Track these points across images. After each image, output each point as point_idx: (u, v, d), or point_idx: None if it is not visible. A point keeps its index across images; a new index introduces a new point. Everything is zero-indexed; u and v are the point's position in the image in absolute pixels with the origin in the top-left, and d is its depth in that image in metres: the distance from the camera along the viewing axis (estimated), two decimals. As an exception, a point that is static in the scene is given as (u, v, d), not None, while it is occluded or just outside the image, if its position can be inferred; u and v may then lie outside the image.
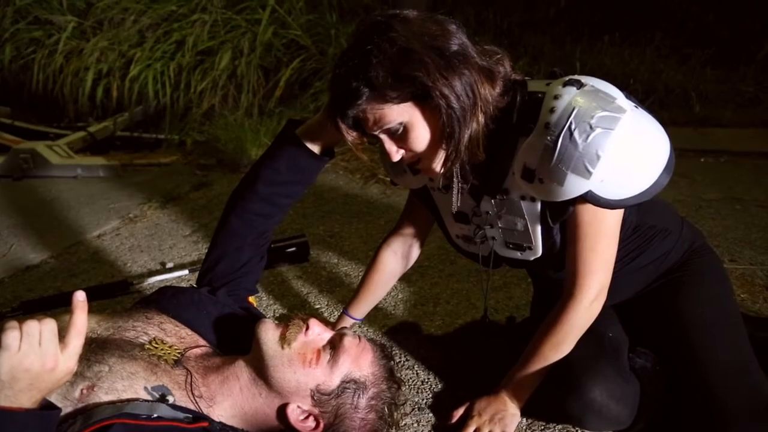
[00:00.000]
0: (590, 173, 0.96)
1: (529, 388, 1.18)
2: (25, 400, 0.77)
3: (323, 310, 1.79)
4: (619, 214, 1.07)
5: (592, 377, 1.08)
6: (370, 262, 1.46)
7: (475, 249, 1.25)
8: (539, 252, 1.15)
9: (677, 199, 2.50)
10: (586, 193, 0.99)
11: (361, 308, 1.49)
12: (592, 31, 5.09)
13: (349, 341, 1.04)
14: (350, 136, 1.03)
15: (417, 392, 1.35)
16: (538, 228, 1.12)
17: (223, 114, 3.90)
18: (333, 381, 1.00)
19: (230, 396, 1.00)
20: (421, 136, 1.00)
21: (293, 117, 3.75)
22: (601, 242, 1.06)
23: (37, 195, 3.23)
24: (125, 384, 0.90)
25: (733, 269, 1.87)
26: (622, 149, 0.96)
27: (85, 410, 0.86)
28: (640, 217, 1.18)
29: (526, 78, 1.07)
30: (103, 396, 0.88)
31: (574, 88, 0.99)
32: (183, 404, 0.93)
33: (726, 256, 1.97)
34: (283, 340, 1.01)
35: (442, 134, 0.99)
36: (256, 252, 1.30)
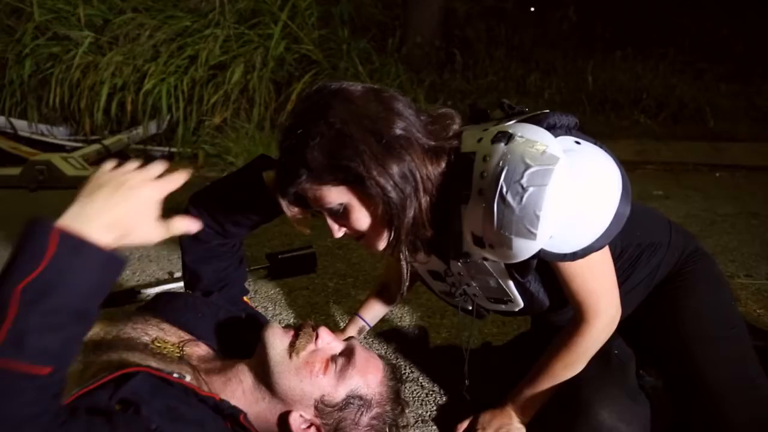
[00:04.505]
0: (534, 234, 0.90)
1: (537, 403, 1.14)
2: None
3: (329, 321, 1.77)
4: (602, 253, 1.01)
5: (601, 399, 1.04)
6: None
7: (458, 303, 1.22)
8: (521, 304, 1.12)
9: (692, 214, 2.46)
10: (539, 252, 0.94)
11: (374, 311, 1.46)
12: (604, 47, 5.09)
13: (360, 355, 1.02)
14: (290, 212, 1.03)
15: (421, 404, 1.33)
16: (511, 283, 1.08)
17: (234, 127, 3.94)
18: (339, 393, 0.98)
19: (233, 399, 1.00)
20: (361, 219, 0.98)
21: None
22: (597, 284, 1.02)
23: (52, 206, 3.27)
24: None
25: (749, 284, 1.83)
26: (562, 201, 0.90)
27: None
28: (624, 238, 1.11)
29: (464, 128, 1.03)
30: None
31: (502, 144, 0.92)
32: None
33: (742, 271, 1.94)
34: (292, 348, 0.99)
35: (383, 219, 0.97)
36: (229, 262, 1.29)
